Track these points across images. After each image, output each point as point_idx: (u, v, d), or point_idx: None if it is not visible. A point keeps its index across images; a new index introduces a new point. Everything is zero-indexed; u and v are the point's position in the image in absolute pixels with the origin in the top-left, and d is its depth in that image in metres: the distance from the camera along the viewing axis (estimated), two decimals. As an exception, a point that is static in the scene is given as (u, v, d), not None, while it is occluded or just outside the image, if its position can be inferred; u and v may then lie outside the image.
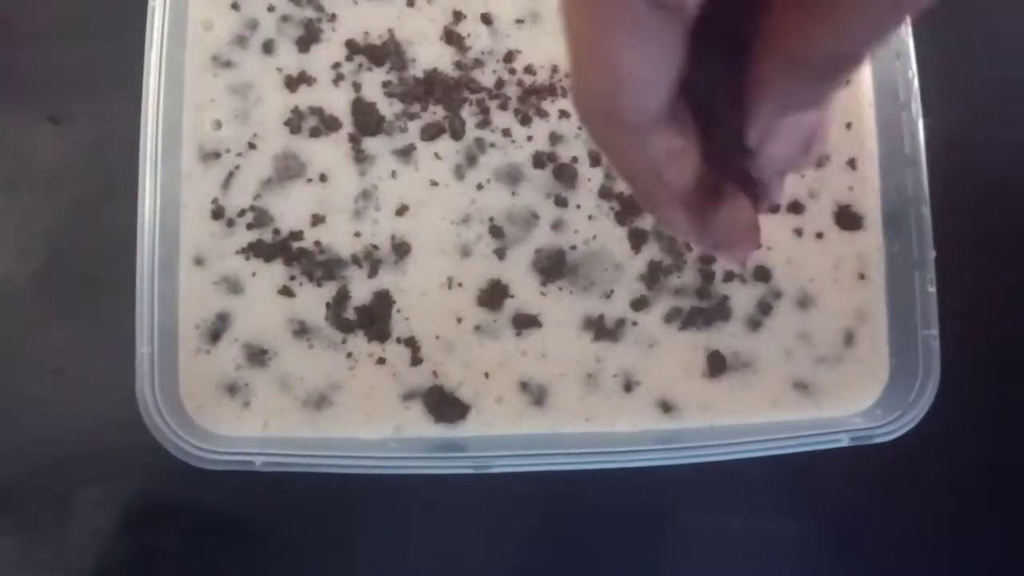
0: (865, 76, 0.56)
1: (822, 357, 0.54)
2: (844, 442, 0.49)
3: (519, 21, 0.55)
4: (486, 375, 0.51)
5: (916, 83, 0.53)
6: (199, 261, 0.50)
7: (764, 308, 0.54)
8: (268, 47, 0.53)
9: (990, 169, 0.58)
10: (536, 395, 0.51)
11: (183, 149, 0.50)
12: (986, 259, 0.57)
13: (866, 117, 0.56)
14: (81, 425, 0.51)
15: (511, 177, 0.53)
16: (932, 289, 0.51)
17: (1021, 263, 0.58)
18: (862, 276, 0.55)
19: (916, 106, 0.53)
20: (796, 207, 0.55)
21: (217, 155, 0.51)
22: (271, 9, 0.53)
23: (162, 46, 0.48)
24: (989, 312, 0.56)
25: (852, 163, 0.56)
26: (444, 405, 0.50)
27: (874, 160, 0.56)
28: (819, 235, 0.55)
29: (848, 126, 0.56)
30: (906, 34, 0.53)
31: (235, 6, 0.52)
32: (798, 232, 0.55)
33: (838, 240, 0.55)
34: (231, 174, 0.51)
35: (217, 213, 0.50)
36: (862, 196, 0.56)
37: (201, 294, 0.49)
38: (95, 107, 0.54)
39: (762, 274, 0.54)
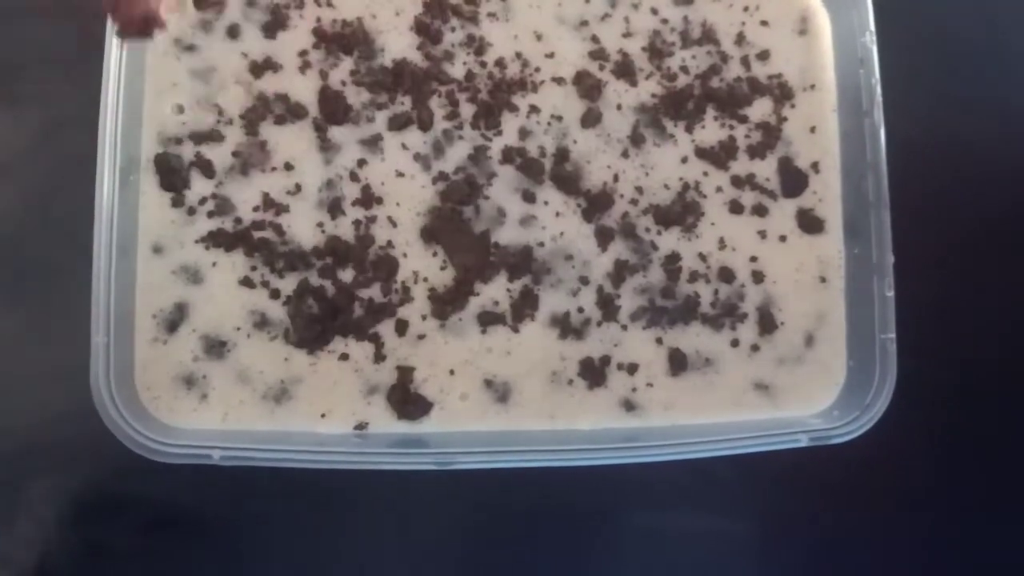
0: (829, 82, 0.57)
1: (782, 358, 0.55)
2: (803, 442, 0.50)
3: (491, 15, 0.54)
4: (451, 372, 0.51)
5: (879, 90, 0.54)
6: (158, 249, 0.48)
7: (728, 308, 0.54)
8: (233, 32, 0.51)
9: (950, 176, 0.60)
10: (500, 392, 0.51)
11: (143, 134, 0.49)
12: (944, 265, 0.58)
13: (829, 122, 0.57)
14: (32, 415, 0.50)
15: (479, 171, 0.53)
16: (890, 293, 0.52)
17: (978, 270, 0.59)
18: (823, 279, 0.56)
19: (878, 113, 0.54)
20: (760, 209, 0.55)
21: (178, 141, 0.50)
22: (237, -7, 0.52)
23: (123, 27, 0.46)
24: (945, 317, 0.57)
25: (815, 167, 0.57)
26: (407, 402, 0.49)
27: (836, 165, 0.57)
28: (782, 238, 0.56)
29: (812, 130, 0.57)
30: (870, 41, 0.54)
31: (200, -12, 0.51)
32: (762, 234, 0.55)
33: (800, 243, 0.56)
34: (192, 161, 0.50)
35: (177, 200, 0.49)
36: (824, 200, 0.56)
37: (159, 283, 0.48)
38: (51, 88, 0.52)
39: (726, 275, 0.55)
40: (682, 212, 0.54)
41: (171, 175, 0.49)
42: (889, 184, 0.53)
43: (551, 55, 0.55)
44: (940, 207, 0.59)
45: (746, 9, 0.58)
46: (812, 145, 0.57)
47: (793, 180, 0.56)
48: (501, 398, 0.51)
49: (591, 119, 0.55)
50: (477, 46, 0.54)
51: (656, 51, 0.56)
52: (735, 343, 0.54)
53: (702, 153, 0.55)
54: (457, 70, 0.54)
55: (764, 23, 0.58)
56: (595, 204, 0.54)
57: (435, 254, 0.52)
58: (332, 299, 0.50)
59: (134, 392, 0.47)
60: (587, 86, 0.55)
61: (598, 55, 0.55)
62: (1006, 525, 0.59)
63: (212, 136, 0.50)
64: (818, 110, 0.57)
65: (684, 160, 0.55)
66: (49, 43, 0.52)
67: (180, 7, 0.48)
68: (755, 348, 0.54)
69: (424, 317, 0.51)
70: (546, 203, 0.53)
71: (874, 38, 0.55)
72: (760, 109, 0.57)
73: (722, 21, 0.57)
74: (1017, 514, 0.58)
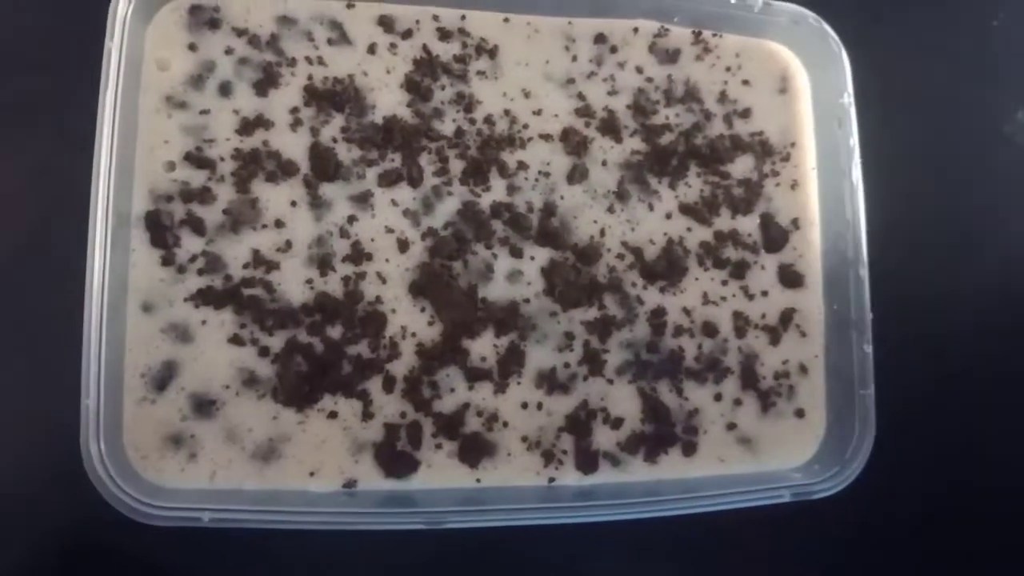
0: (809, 140, 0.59)
1: (764, 412, 0.56)
2: (786, 498, 0.51)
3: (480, 73, 0.55)
4: (437, 429, 0.51)
5: (857, 150, 0.56)
6: (147, 307, 0.48)
7: (711, 362, 0.55)
8: (225, 89, 0.52)
9: (929, 234, 0.61)
10: (487, 449, 0.51)
11: (135, 191, 0.49)
12: (922, 321, 0.59)
13: (809, 180, 0.59)
14: (19, 473, 0.49)
15: (467, 226, 0.53)
16: (868, 349, 0.54)
17: (955, 325, 0.61)
18: (803, 334, 0.57)
19: (857, 172, 0.55)
20: (743, 264, 0.57)
21: (169, 198, 0.50)
22: (229, 52, 0.52)
23: (117, 85, 0.47)
24: (924, 373, 0.58)
25: (796, 223, 0.58)
26: (394, 460, 0.50)
27: (816, 222, 0.58)
28: (764, 293, 0.57)
29: (792, 187, 0.59)
30: (849, 104, 0.56)
31: (192, 47, 0.51)
32: (744, 289, 0.57)
33: (781, 298, 0.57)
34: (183, 218, 0.50)
35: (167, 258, 0.49)
36: (804, 256, 0.58)
37: (148, 342, 0.48)
38: (46, 144, 0.52)
39: (710, 329, 0.56)
40: (667, 267, 0.55)
41: (162, 232, 0.49)
42: (868, 241, 0.55)
43: (538, 112, 0.56)
44: (919, 265, 0.60)
45: (728, 69, 0.59)
46: (793, 202, 0.58)
47: (774, 236, 0.58)
48: (489, 454, 0.51)
49: (577, 175, 0.56)
50: (466, 103, 0.55)
51: (641, 109, 0.57)
52: (718, 397, 0.55)
53: (686, 209, 0.57)
54: (447, 127, 0.54)
55: (746, 82, 0.59)
56: (583, 258, 0.54)
57: (423, 309, 0.52)
58: (321, 356, 0.50)
59: (123, 452, 0.46)
60: (573, 142, 0.56)
61: (584, 112, 0.56)
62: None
63: (203, 193, 0.50)
64: (799, 168, 0.59)
65: (668, 216, 0.56)
66: (41, 97, 0.52)
67: None
68: (738, 402, 0.55)
69: (412, 372, 0.51)
70: (532, 258, 0.54)
71: (852, 99, 0.56)
72: (742, 166, 0.58)
73: (705, 80, 0.59)
74: (1000, 567, 0.59)
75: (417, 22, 0.55)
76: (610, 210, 0.56)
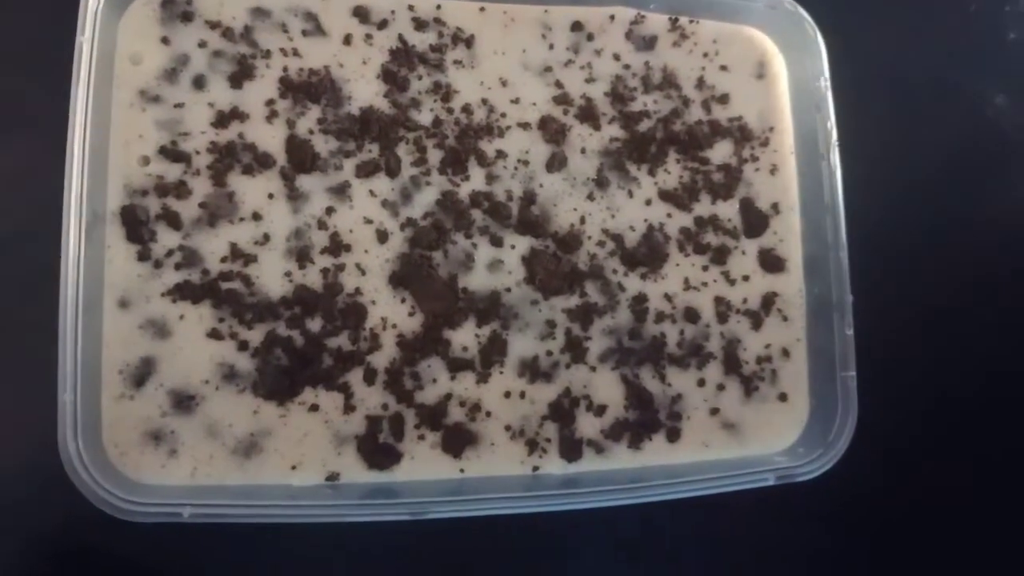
0: (787, 125, 0.59)
1: (747, 396, 0.56)
2: (770, 481, 0.51)
3: (457, 62, 0.55)
4: (420, 421, 0.51)
5: (835, 134, 0.56)
6: (124, 304, 0.48)
7: (693, 348, 0.55)
8: (199, 82, 0.51)
9: (908, 217, 0.61)
10: (471, 439, 0.51)
11: (109, 186, 0.49)
12: (903, 303, 0.60)
13: (788, 164, 0.59)
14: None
15: (446, 216, 0.53)
16: (850, 332, 0.54)
17: (936, 307, 0.61)
18: (785, 318, 0.57)
19: (834, 156, 0.56)
20: (723, 250, 0.57)
21: (144, 192, 0.49)
22: (202, 44, 0.52)
23: (89, 80, 0.46)
24: (905, 354, 0.59)
25: (776, 207, 0.58)
26: (377, 452, 0.49)
27: (795, 206, 0.58)
28: (745, 277, 0.57)
29: (772, 171, 0.59)
30: (826, 87, 0.56)
31: (165, 40, 0.51)
32: (725, 274, 0.57)
33: (762, 282, 0.57)
34: (159, 213, 0.49)
35: (143, 253, 0.49)
36: (785, 240, 0.58)
37: (125, 338, 0.48)
38: (17, 140, 0.51)
39: (691, 315, 0.56)
40: (648, 253, 0.55)
41: (137, 227, 0.49)
42: (847, 225, 0.55)
43: (516, 101, 0.56)
44: (898, 246, 0.61)
45: (705, 55, 0.59)
46: (772, 187, 0.59)
47: (754, 221, 0.58)
48: (472, 445, 0.51)
49: (556, 163, 0.55)
50: (443, 93, 0.55)
51: (619, 96, 0.57)
52: (701, 383, 0.55)
53: (665, 195, 0.57)
54: (424, 117, 0.54)
55: (723, 68, 0.59)
56: (563, 246, 0.54)
57: (403, 300, 0.52)
58: (301, 349, 0.50)
59: (101, 449, 0.46)
60: (552, 131, 0.56)
61: (562, 100, 0.56)
62: (973, 558, 0.60)
63: (179, 187, 0.50)
64: (777, 152, 0.59)
65: (648, 202, 0.56)
66: (13, 93, 0.52)
67: None
68: (721, 387, 0.55)
69: (393, 363, 0.51)
70: (513, 247, 0.54)
71: (828, 83, 0.56)
72: (721, 151, 0.58)
73: (683, 66, 0.59)
74: (984, 549, 0.60)
75: (392, 12, 0.55)
76: (590, 197, 0.56)
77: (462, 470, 0.51)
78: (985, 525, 0.60)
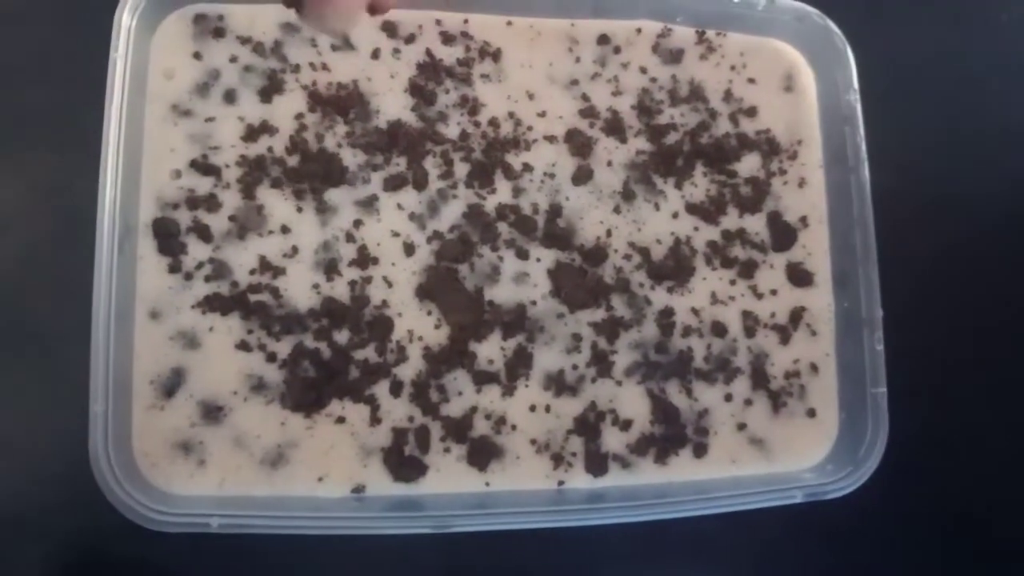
0: (815, 138, 0.59)
1: (775, 412, 0.55)
2: (798, 498, 0.50)
3: (484, 76, 0.55)
4: (445, 433, 0.51)
5: (864, 147, 0.55)
6: (155, 315, 0.49)
7: (721, 363, 0.55)
8: (230, 97, 0.52)
9: (939, 231, 0.61)
10: (496, 452, 0.51)
11: (141, 199, 0.49)
12: (933, 317, 0.59)
13: (816, 177, 0.58)
14: (29, 481, 0.49)
15: (473, 229, 0.53)
16: (880, 347, 0.53)
17: (967, 322, 0.60)
18: (814, 332, 0.57)
19: (864, 169, 0.55)
20: (751, 264, 0.56)
21: (176, 206, 0.50)
22: (233, 59, 0.52)
23: (123, 95, 0.47)
24: (936, 370, 0.58)
25: (804, 221, 0.58)
26: (402, 464, 0.49)
27: (824, 219, 0.58)
28: (773, 291, 0.57)
29: (800, 185, 0.58)
30: (855, 100, 0.56)
31: (197, 55, 0.52)
32: (753, 288, 0.56)
33: (790, 296, 0.57)
34: (190, 225, 0.50)
35: (174, 265, 0.49)
36: (813, 254, 0.57)
37: (156, 349, 0.48)
38: (53, 152, 0.52)
39: (719, 329, 0.55)
40: (675, 267, 0.55)
41: (169, 240, 0.49)
42: (877, 238, 0.54)
43: (543, 114, 0.56)
44: (929, 261, 0.60)
45: (733, 67, 0.59)
46: (800, 200, 0.58)
47: (782, 234, 0.57)
48: (497, 458, 0.51)
49: (583, 176, 0.55)
50: (471, 106, 0.55)
51: (645, 109, 0.57)
52: (728, 397, 0.55)
53: (692, 208, 0.56)
54: (451, 130, 0.54)
55: (751, 80, 0.59)
56: (588, 259, 0.54)
57: (430, 313, 0.52)
58: (328, 361, 0.50)
59: (132, 459, 0.47)
60: (578, 144, 0.56)
61: (588, 113, 0.56)
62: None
63: (209, 200, 0.50)
64: (806, 165, 0.58)
65: (675, 215, 0.56)
66: (48, 109, 0.53)
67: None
68: (748, 402, 0.55)
69: (419, 375, 0.51)
70: (539, 260, 0.54)
71: (858, 96, 0.56)
72: (749, 164, 0.58)
73: (710, 79, 0.58)
74: (1017, 567, 0.59)
75: (420, 27, 0.55)
76: (616, 211, 0.55)
77: (487, 484, 0.51)
78: (1019, 544, 0.59)
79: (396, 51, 0.55)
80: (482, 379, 0.52)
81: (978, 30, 0.66)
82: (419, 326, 0.52)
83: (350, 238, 0.52)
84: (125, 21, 0.48)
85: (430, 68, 0.55)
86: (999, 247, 0.62)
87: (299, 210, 0.51)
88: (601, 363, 0.53)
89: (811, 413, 0.56)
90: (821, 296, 0.57)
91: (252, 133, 0.52)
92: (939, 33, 0.65)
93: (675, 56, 0.58)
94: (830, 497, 0.51)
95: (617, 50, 0.58)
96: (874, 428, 0.52)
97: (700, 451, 0.54)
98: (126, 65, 0.47)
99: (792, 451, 0.55)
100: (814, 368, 0.56)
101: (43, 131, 0.53)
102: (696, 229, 0.56)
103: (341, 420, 0.50)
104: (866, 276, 0.54)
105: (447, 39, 0.55)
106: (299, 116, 0.53)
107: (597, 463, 0.52)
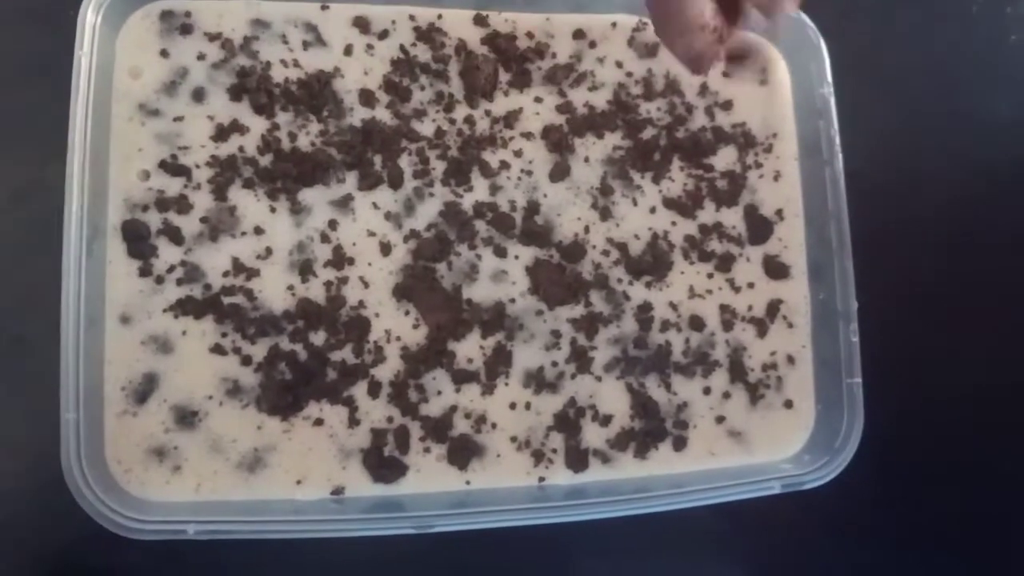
0: (790, 131, 0.59)
1: (753, 404, 0.55)
2: (776, 489, 0.51)
3: (461, 73, 0.55)
4: (425, 433, 0.50)
5: (838, 140, 0.55)
6: (126, 319, 0.48)
7: (699, 356, 0.55)
8: (198, 95, 0.51)
9: (913, 223, 0.61)
10: (476, 451, 0.51)
11: (109, 201, 0.48)
12: (908, 308, 0.59)
13: (792, 170, 0.58)
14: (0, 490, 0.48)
15: (450, 227, 0.53)
16: (855, 339, 0.54)
17: (942, 313, 0.61)
18: (790, 325, 0.57)
19: (838, 162, 0.55)
20: (728, 257, 0.56)
21: (145, 207, 0.49)
22: (201, 57, 0.51)
23: (89, 94, 0.46)
24: (911, 360, 0.58)
25: (780, 213, 0.58)
26: (382, 465, 0.49)
27: (800, 212, 0.58)
28: (750, 284, 0.57)
29: (775, 178, 0.58)
30: (829, 93, 0.56)
31: (164, 53, 0.51)
32: (730, 281, 0.56)
33: (767, 289, 0.57)
34: (160, 228, 0.49)
35: (145, 269, 0.48)
36: (789, 247, 0.58)
37: (128, 354, 0.47)
38: (17, 156, 0.51)
39: (697, 323, 0.55)
40: (652, 262, 0.55)
41: (139, 242, 0.48)
42: (851, 230, 0.55)
43: (519, 110, 0.55)
44: (903, 252, 0.60)
45: (708, 61, 0.59)
46: (776, 193, 0.58)
47: (758, 227, 0.58)
48: (477, 457, 0.51)
49: (560, 172, 0.55)
50: (446, 103, 0.54)
51: (621, 104, 0.57)
52: (707, 391, 0.55)
53: (669, 203, 0.56)
54: (426, 127, 0.54)
55: (726, 74, 0.59)
56: (567, 255, 0.54)
57: (407, 312, 0.52)
58: (304, 364, 0.49)
59: (105, 467, 0.46)
60: (555, 140, 0.55)
61: (565, 109, 0.56)
62: (982, 564, 0.60)
63: (180, 202, 0.49)
64: (781, 159, 0.59)
65: (652, 210, 0.56)
66: (11, 109, 0.51)
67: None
68: (726, 395, 0.55)
69: (397, 376, 0.51)
70: (517, 257, 0.54)
71: (831, 89, 0.56)
72: (725, 158, 0.58)
73: (685, 73, 0.58)
74: (992, 557, 0.60)
75: (393, 22, 0.54)
76: (594, 206, 0.55)
77: (468, 482, 0.50)
78: (995, 531, 0.60)
79: (369, 47, 0.54)
80: (461, 378, 0.51)
81: (949, 22, 0.67)
82: (397, 326, 0.51)
83: (325, 238, 0.51)
84: (90, 19, 0.47)
85: (404, 64, 0.54)
86: (973, 237, 0.63)
87: (272, 210, 0.51)
88: (580, 359, 0.53)
89: (788, 404, 0.56)
90: (797, 288, 0.57)
91: (222, 132, 0.51)
92: (911, 26, 0.66)
93: (651, 50, 0.58)
94: (808, 487, 0.51)
95: (593, 45, 0.57)
96: (850, 418, 0.53)
97: (680, 444, 0.54)
98: (91, 64, 0.46)
99: (770, 442, 0.55)
100: (791, 360, 0.56)
101: (6, 132, 0.51)
102: (673, 224, 0.56)
103: (319, 422, 0.49)
104: (841, 268, 0.54)
105: (421, 35, 0.55)
106: (271, 115, 0.52)
107: (578, 459, 0.52)
